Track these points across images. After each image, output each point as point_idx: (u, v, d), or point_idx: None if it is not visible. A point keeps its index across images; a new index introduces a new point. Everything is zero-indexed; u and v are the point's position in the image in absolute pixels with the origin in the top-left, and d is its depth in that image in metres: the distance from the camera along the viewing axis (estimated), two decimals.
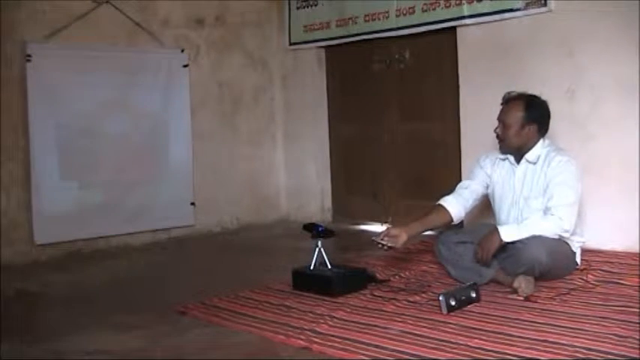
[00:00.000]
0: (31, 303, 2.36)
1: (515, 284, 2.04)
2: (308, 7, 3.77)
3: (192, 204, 3.58)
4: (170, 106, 3.50)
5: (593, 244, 2.53)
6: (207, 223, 3.66)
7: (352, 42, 3.58)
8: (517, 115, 2.18)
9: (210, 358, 1.67)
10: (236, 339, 1.79)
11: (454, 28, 3.13)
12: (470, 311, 1.91)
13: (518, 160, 2.26)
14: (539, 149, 2.21)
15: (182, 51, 3.57)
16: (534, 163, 2.21)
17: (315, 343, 1.70)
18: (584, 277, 2.20)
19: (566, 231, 2.11)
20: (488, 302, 1.99)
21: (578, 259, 2.28)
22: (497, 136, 2.24)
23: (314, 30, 3.77)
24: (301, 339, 1.73)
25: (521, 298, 2.01)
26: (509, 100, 2.24)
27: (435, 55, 3.34)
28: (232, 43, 3.81)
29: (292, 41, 3.91)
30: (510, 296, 2.04)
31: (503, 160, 2.30)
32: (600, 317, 1.79)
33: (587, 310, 1.87)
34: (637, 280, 2.15)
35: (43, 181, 3.05)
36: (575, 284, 2.15)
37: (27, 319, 2.11)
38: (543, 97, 2.27)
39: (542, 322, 1.77)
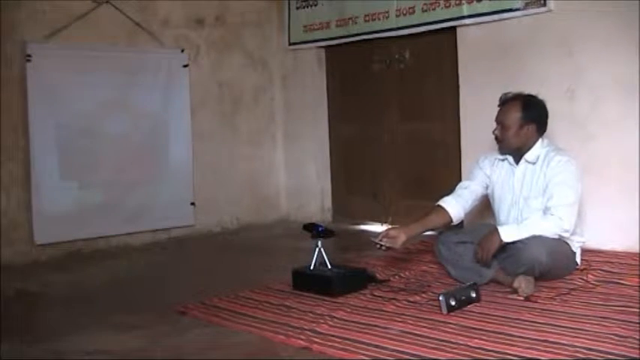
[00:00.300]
0: (31, 303, 2.35)
1: (516, 284, 2.04)
2: (308, 7, 3.77)
3: (192, 204, 3.58)
4: (170, 106, 3.49)
5: (593, 244, 2.52)
6: (207, 223, 3.65)
7: (352, 42, 3.57)
8: (515, 115, 2.18)
9: (210, 358, 1.66)
10: (236, 339, 1.78)
11: (454, 28, 3.12)
12: (470, 311, 1.90)
13: (517, 161, 2.25)
14: (538, 149, 2.21)
15: (182, 51, 3.56)
16: (533, 163, 2.21)
17: (315, 343, 1.69)
18: (585, 277, 2.20)
19: (566, 231, 2.11)
20: (489, 302, 1.99)
21: (578, 259, 2.28)
22: (496, 138, 2.24)
23: (314, 30, 3.76)
24: (301, 339, 1.72)
25: (522, 298, 2.00)
26: (506, 101, 2.24)
27: (435, 55, 3.34)
28: (232, 43, 3.80)
29: (292, 41, 3.90)
30: (510, 296, 2.04)
31: (503, 160, 2.30)
32: (600, 317, 1.78)
33: (587, 310, 1.87)
34: (637, 280, 2.14)
35: (43, 181, 3.04)
36: (575, 284, 2.15)
37: (27, 319, 2.10)
38: (543, 97, 2.26)
39: (543, 322, 1.76)
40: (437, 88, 3.34)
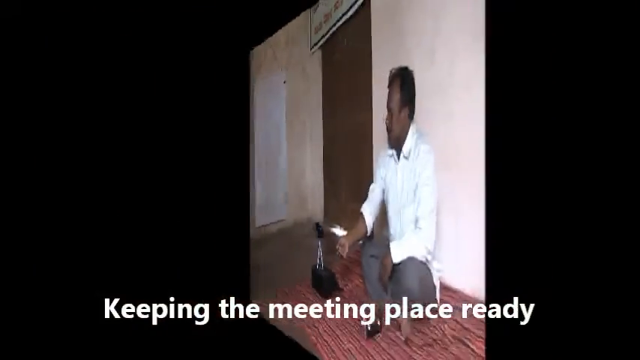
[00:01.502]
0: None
1: (399, 319, 1.37)
2: (319, 6, 3.01)
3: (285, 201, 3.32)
4: (279, 118, 3.34)
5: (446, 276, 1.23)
6: (293, 219, 3.18)
7: (331, 36, 2.69)
8: (396, 97, 1.39)
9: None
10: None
11: None
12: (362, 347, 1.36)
13: (398, 156, 1.45)
14: (410, 139, 1.38)
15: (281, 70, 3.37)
16: (407, 158, 1.40)
17: (318, 342, 1.50)
18: (443, 328, 1.24)
19: (430, 251, 1.28)
20: (372, 340, 1.39)
21: (437, 297, 1.30)
22: (387, 128, 1.46)
23: (318, 30, 3.05)
24: (312, 335, 1.53)
25: (403, 339, 1.35)
26: (391, 80, 1.42)
27: (358, 36, 2.09)
28: (292, 61, 3.26)
29: (311, 45, 3.29)
30: (394, 333, 1.38)
31: (391, 156, 1.49)
32: None
33: None
34: (483, 345, 1.06)
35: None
36: (430, 337, 1.25)
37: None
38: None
39: None
40: (356, 71, 2.12)
